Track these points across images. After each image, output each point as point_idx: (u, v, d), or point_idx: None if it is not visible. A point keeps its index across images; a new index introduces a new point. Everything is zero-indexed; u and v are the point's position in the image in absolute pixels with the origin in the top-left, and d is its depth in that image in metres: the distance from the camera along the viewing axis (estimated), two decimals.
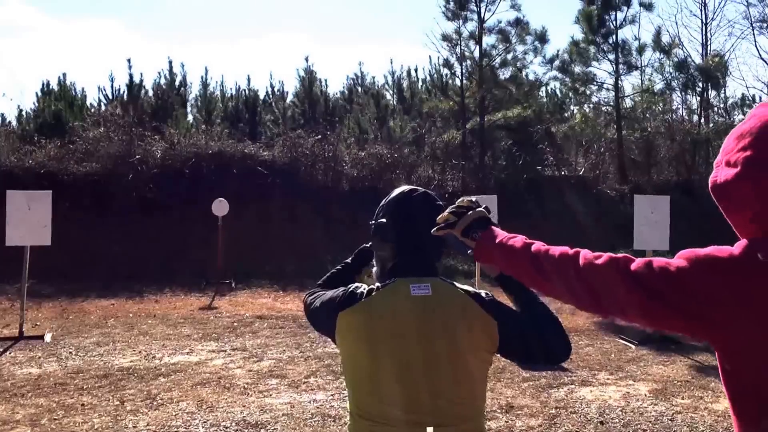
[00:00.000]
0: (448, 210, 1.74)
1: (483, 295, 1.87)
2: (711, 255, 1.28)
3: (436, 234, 1.76)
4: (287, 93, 23.53)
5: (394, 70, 24.48)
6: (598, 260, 1.40)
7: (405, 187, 2.02)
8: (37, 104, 20.44)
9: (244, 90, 22.92)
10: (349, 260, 2.28)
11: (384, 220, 1.95)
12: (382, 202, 2.01)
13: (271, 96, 23.60)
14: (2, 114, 22.22)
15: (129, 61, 21.31)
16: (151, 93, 20.96)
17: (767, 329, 1.22)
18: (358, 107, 22.23)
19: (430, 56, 28.03)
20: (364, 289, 1.89)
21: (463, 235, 1.68)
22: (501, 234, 1.63)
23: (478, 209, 1.72)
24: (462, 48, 18.90)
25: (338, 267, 2.27)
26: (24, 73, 39.06)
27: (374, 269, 2.02)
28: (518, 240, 1.58)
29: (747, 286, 1.23)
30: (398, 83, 23.41)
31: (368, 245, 2.14)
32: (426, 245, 1.92)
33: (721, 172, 1.35)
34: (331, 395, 6.09)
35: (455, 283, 1.94)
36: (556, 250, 1.49)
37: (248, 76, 37.31)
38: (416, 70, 23.46)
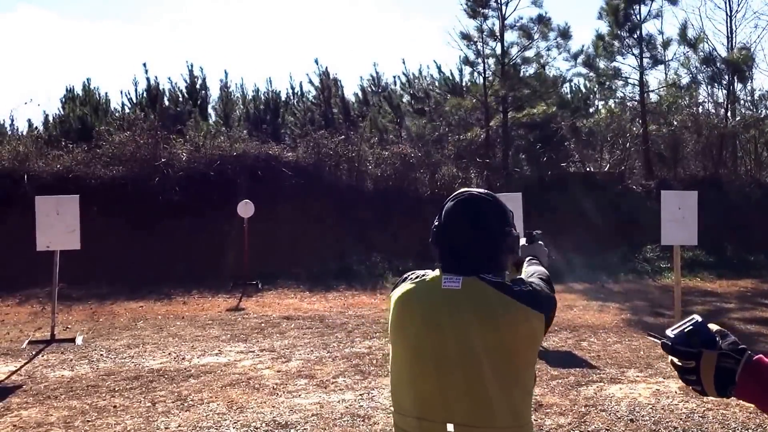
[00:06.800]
0: (674, 364, 1.46)
1: (520, 289, 1.83)
2: None
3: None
4: (308, 92, 23.54)
5: (408, 70, 24.44)
6: None
7: (457, 192, 2.03)
8: (62, 109, 20.64)
9: (265, 92, 22.98)
10: None
11: (436, 224, 2.01)
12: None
13: (291, 97, 23.67)
14: (29, 119, 22.47)
15: (144, 65, 21.49)
16: (170, 97, 21.08)
17: None
18: (375, 107, 22.17)
19: (434, 60, 28.31)
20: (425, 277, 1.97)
21: (719, 394, 1.40)
22: (751, 384, 1.36)
23: (706, 354, 1.40)
24: (483, 45, 18.85)
25: None
26: (48, 78, 39.51)
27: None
28: None
29: None
30: (414, 83, 23.31)
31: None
32: (463, 251, 1.90)
33: None
34: (360, 395, 6.10)
35: (504, 281, 1.87)
36: None
37: (269, 78, 37.68)
38: (428, 68, 23.42)
